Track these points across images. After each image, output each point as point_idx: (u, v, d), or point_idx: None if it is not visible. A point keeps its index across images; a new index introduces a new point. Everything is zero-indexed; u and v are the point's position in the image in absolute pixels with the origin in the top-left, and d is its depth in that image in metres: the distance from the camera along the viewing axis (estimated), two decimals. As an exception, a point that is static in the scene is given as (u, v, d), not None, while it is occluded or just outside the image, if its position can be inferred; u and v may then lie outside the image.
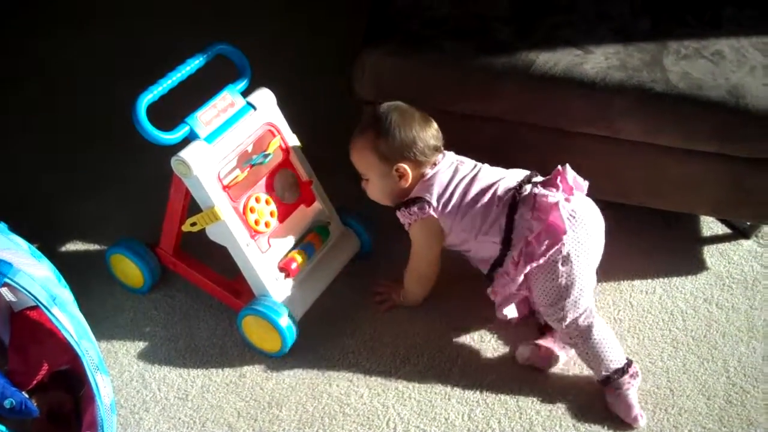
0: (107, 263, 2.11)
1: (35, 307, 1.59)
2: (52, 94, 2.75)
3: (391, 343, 2.02)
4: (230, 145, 1.89)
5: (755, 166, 2.01)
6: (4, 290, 1.56)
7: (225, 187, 1.87)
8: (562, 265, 1.82)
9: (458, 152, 2.00)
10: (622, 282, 2.15)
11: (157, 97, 1.79)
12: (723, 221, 2.33)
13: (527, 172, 1.92)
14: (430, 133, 1.91)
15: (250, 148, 1.94)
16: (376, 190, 1.96)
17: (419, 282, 2.05)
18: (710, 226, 2.33)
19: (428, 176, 1.91)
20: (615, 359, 1.86)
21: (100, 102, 2.67)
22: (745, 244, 2.29)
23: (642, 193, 2.16)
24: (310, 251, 2.01)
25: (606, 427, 1.85)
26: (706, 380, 1.95)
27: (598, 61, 1.98)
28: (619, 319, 2.07)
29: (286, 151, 2.02)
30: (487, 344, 2.02)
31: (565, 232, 1.79)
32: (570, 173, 1.87)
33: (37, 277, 1.56)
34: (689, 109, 1.94)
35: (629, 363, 1.87)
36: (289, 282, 1.98)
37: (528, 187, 1.86)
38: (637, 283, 2.16)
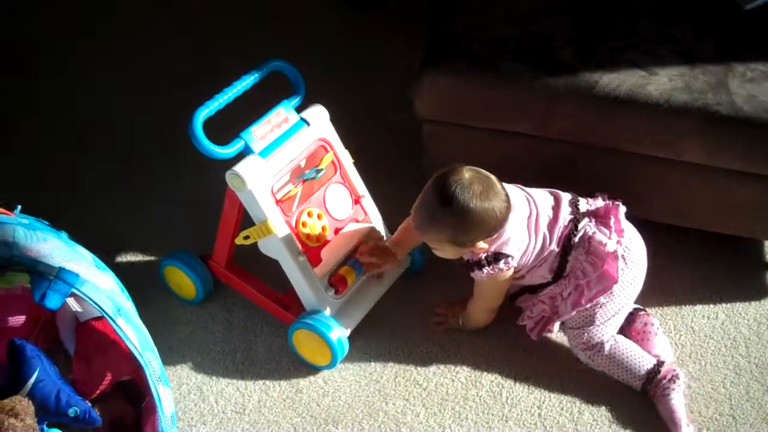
0: (161, 274, 2.14)
1: (100, 318, 1.61)
2: (104, 110, 2.80)
3: (449, 362, 2.01)
4: (284, 160, 1.91)
5: (821, 191, 1.97)
6: (71, 300, 1.58)
7: (278, 201, 1.90)
8: (603, 299, 1.89)
9: (518, 173, 2.00)
10: (683, 307, 2.12)
11: (214, 112, 1.82)
12: (787, 247, 2.29)
13: (569, 197, 1.92)
14: (502, 204, 1.78)
15: (303, 163, 1.96)
16: (448, 256, 1.89)
17: (486, 314, 2.04)
18: (774, 251, 2.29)
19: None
20: (642, 365, 1.90)
21: (157, 118, 2.71)
22: (809, 270, 2.24)
23: (704, 217, 2.13)
24: (358, 269, 2.01)
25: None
26: (770, 408, 1.91)
27: (662, 83, 1.96)
28: (681, 343, 2.04)
29: (338, 166, 2.03)
30: (547, 365, 2.00)
31: (616, 282, 1.85)
32: (622, 207, 1.90)
33: (103, 288, 1.58)
34: (755, 133, 1.91)
35: (660, 364, 1.89)
36: (340, 297, 1.99)
37: (582, 226, 1.88)
38: (699, 308, 2.12)
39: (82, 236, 1.72)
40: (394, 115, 2.66)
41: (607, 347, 1.92)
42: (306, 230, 1.94)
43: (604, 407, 1.91)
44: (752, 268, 2.25)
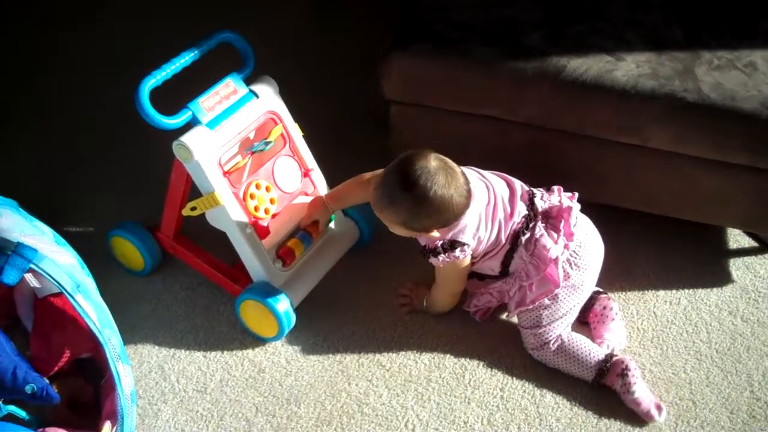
0: (108, 245, 2.13)
1: (59, 294, 1.59)
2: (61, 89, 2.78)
3: (412, 344, 2.01)
4: (232, 131, 1.91)
5: (786, 180, 1.99)
6: (29, 276, 1.56)
7: (225, 173, 1.90)
8: (548, 301, 1.90)
9: (485, 157, 1.99)
10: (646, 292, 2.13)
11: (160, 82, 1.81)
12: (750, 234, 2.31)
13: (525, 188, 1.93)
14: (461, 198, 1.78)
15: (251, 135, 1.96)
16: (400, 234, 1.89)
17: (449, 298, 2.04)
18: (737, 238, 2.30)
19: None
20: (592, 359, 1.91)
21: (103, 92, 2.69)
22: (772, 258, 2.27)
23: (669, 204, 2.14)
24: (306, 241, 2.02)
25: (626, 437, 1.84)
26: (730, 394, 1.93)
27: (630, 69, 1.96)
28: (643, 329, 2.05)
29: (288, 139, 2.03)
30: (509, 348, 2.01)
31: (558, 286, 1.88)
32: (575, 210, 1.90)
33: (62, 264, 1.56)
34: (720, 120, 1.92)
35: (609, 357, 1.90)
36: (287, 269, 1.99)
37: (532, 226, 1.88)
38: (661, 293, 2.14)
39: (37, 211, 1.70)
40: (355, 95, 2.67)
41: (554, 347, 1.93)
42: (254, 202, 1.94)
43: (565, 390, 1.92)
44: (716, 255, 2.26)
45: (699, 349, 2.02)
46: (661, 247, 2.24)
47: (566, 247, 1.88)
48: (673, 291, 2.14)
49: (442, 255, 1.86)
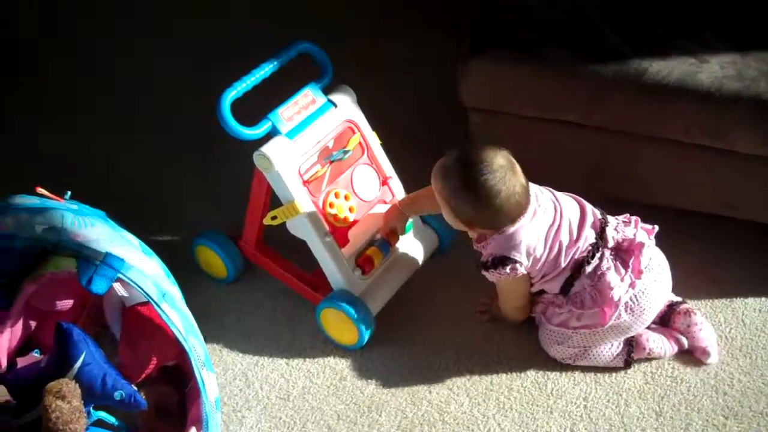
0: (193, 253, 2.18)
1: (146, 303, 1.63)
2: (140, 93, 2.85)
3: (493, 353, 2.00)
4: (311, 141, 1.93)
5: None
6: (117, 285, 1.60)
7: (305, 182, 1.92)
8: (587, 331, 1.90)
9: (561, 162, 1.98)
10: (734, 299, 2.07)
11: (241, 94, 1.84)
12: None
13: (597, 214, 1.87)
14: (515, 198, 1.75)
15: (330, 145, 1.98)
16: (447, 219, 1.87)
17: (515, 312, 2.02)
18: (828, 244, 2.23)
19: (510, 231, 1.80)
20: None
21: (185, 101, 2.74)
22: None
23: (755, 208, 2.08)
24: (385, 249, 2.03)
25: (714, 448, 1.80)
26: (823, 403, 1.87)
27: (714, 71, 1.92)
28: (731, 337, 1.99)
29: (366, 147, 2.04)
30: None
31: (604, 325, 1.85)
32: (648, 248, 1.85)
33: (148, 274, 1.60)
34: (809, 122, 1.87)
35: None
36: (367, 278, 2.00)
37: (598, 256, 1.83)
38: (750, 300, 2.07)
39: (125, 220, 1.74)
40: (430, 102, 2.67)
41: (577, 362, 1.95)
42: (333, 211, 1.96)
43: (650, 400, 1.88)
44: (804, 261, 2.19)
45: (790, 358, 1.96)
46: (749, 253, 2.17)
47: (632, 285, 1.82)
48: (763, 299, 2.08)
49: (492, 270, 1.85)
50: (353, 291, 1.97)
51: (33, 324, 1.71)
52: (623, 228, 1.87)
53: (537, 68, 2.01)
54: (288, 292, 2.12)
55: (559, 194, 1.88)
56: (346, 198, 1.99)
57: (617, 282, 1.82)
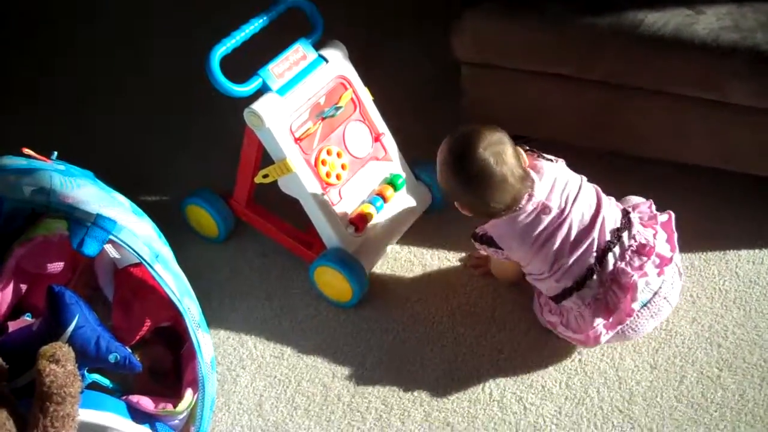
0: (183, 213, 2.16)
1: (138, 264, 1.60)
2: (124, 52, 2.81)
3: (487, 309, 2.00)
4: (302, 97, 1.91)
5: None
6: (108, 247, 1.57)
7: (297, 140, 1.90)
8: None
9: (559, 116, 1.95)
10: (728, 252, 2.06)
11: (230, 50, 1.82)
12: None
13: (620, 215, 1.79)
14: (503, 191, 1.69)
15: (322, 101, 1.95)
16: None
17: (505, 280, 2.01)
18: (822, 195, 2.23)
19: (502, 219, 1.77)
20: None
21: (175, 61, 2.70)
22: None
23: (751, 161, 2.07)
24: (378, 204, 2.01)
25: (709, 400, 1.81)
26: (817, 354, 1.88)
27: (710, 22, 1.89)
28: (725, 289, 2.00)
29: (358, 103, 2.02)
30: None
31: (630, 316, 1.76)
32: (666, 243, 1.79)
33: (140, 234, 1.58)
34: (806, 73, 1.85)
35: None
36: (360, 235, 1.99)
37: (617, 251, 1.74)
38: (744, 253, 2.07)
39: (112, 181, 1.71)
40: (424, 55, 2.63)
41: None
42: (326, 168, 1.94)
43: (645, 353, 1.88)
44: (799, 213, 2.19)
45: (784, 309, 1.96)
46: (742, 207, 2.16)
47: (618, 323, 1.76)
48: (756, 250, 2.07)
49: (479, 243, 1.85)
50: (347, 248, 1.96)
51: (24, 287, 1.69)
52: (637, 215, 1.82)
53: (531, 20, 1.98)
54: (280, 250, 2.11)
55: (582, 192, 1.77)
56: (338, 155, 1.97)
57: (600, 321, 1.76)
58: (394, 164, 2.08)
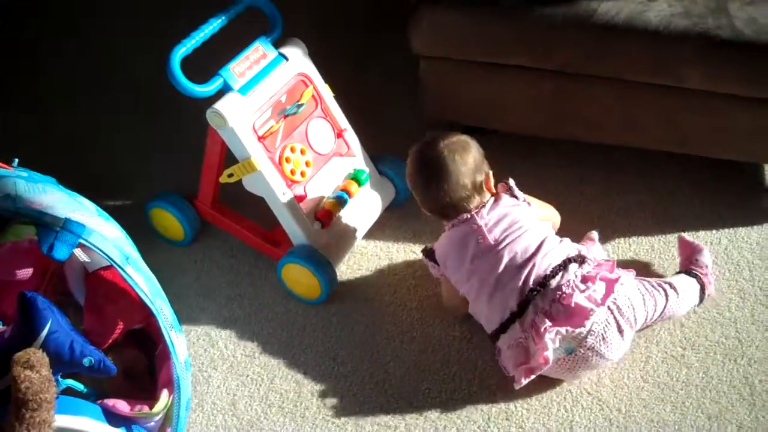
0: (147, 217, 2.15)
1: (109, 267, 1.60)
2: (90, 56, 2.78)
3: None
4: (264, 96, 1.92)
5: (824, 114, 1.97)
6: (78, 251, 1.56)
7: (260, 138, 1.91)
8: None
9: (516, 108, 1.97)
10: (686, 233, 2.10)
11: (191, 50, 1.82)
12: (786, 170, 2.29)
13: (566, 255, 1.76)
14: (454, 194, 1.78)
15: (283, 99, 1.96)
16: None
17: (454, 309, 1.96)
18: (773, 175, 2.29)
19: (447, 229, 1.85)
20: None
21: (139, 63, 2.67)
22: (813, 193, 2.25)
23: (705, 144, 2.12)
24: (343, 200, 2.02)
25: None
26: (776, 330, 1.93)
27: (662, 9, 1.94)
28: (685, 270, 2.05)
29: (319, 100, 2.03)
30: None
31: (546, 364, 1.70)
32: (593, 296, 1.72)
33: (109, 237, 1.57)
34: (755, 56, 1.90)
35: None
36: (326, 230, 2.00)
37: (538, 301, 1.71)
38: (701, 233, 2.12)
39: (72, 184, 1.70)
40: (383, 50, 2.65)
41: None
42: (290, 166, 1.96)
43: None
44: (753, 193, 2.24)
45: (742, 288, 2.01)
46: (699, 189, 2.23)
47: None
48: (714, 231, 2.13)
49: (424, 256, 1.91)
50: (314, 244, 1.97)
51: (-7, 296, 1.67)
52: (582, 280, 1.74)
53: (486, 13, 2.01)
54: (246, 249, 2.11)
55: (524, 237, 1.77)
56: (302, 152, 1.98)
57: (520, 366, 1.74)
58: (358, 159, 2.10)
